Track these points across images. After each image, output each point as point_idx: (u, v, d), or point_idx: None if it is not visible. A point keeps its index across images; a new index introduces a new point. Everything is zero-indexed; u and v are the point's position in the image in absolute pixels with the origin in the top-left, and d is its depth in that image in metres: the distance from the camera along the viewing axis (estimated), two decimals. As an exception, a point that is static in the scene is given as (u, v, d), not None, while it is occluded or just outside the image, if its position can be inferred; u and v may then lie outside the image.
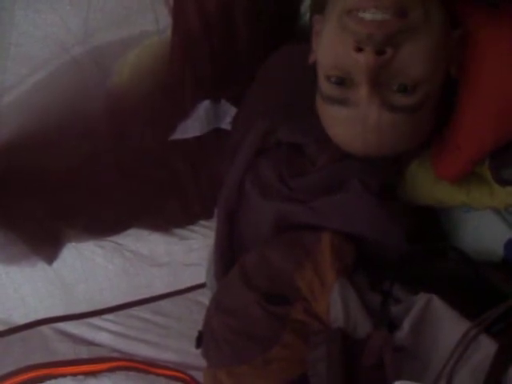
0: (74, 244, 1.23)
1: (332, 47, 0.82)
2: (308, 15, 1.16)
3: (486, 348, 0.77)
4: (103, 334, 1.32)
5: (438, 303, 0.84)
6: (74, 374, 1.25)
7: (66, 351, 1.27)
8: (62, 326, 1.29)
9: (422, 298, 0.84)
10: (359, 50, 0.77)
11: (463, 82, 0.85)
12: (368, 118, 0.82)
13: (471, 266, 0.94)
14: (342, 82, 0.82)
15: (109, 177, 1.17)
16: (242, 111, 1.16)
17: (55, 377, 1.23)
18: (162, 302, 1.40)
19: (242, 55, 1.14)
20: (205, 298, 1.29)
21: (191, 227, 1.38)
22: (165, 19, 1.07)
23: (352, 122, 0.84)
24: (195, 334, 1.00)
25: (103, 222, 1.24)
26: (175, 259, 1.38)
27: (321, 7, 0.89)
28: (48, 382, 1.22)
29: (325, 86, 0.85)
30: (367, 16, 0.77)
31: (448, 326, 0.82)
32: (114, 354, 1.31)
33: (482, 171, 0.91)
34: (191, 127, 1.19)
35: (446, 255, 0.98)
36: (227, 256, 1.05)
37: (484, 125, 0.84)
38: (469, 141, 0.87)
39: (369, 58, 0.77)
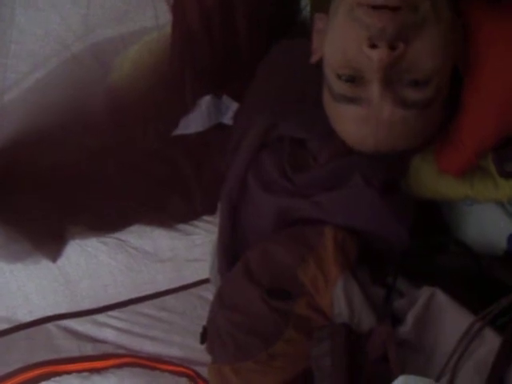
0: (77, 241, 1.23)
1: (341, 44, 0.81)
2: (308, 9, 1.16)
3: (491, 342, 0.77)
4: (108, 331, 1.32)
5: (441, 297, 0.83)
6: (79, 371, 1.25)
7: (71, 348, 1.27)
8: (66, 323, 1.29)
9: (425, 292, 0.84)
10: (373, 46, 0.76)
11: (467, 76, 0.85)
12: (381, 116, 0.81)
13: (474, 259, 0.94)
14: (353, 79, 0.81)
15: (111, 173, 1.17)
16: (243, 106, 1.16)
17: (60, 374, 1.23)
18: (165, 298, 1.39)
19: (242, 50, 1.14)
20: (208, 293, 1.28)
21: (194, 223, 1.37)
22: (164, 15, 1.07)
23: (365, 121, 0.83)
24: (199, 329, 1.00)
25: (106, 219, 1.24)
26: (178, 255, 1.38)
27: (321, 3, 0.88)
28: (53, 379, 1.22)
29: (336, 85, 0.83)
30: (378, 1, 0.75)
31: (452, 319, 0.82)
32: (119, 351, 1.31)
33: (486, 164, 0.91)
34: (193, 123, 1.19)
35: (448, 249, 0.98)
36: (230, 251, 1.05)
37: (487, 119, 0.84)
38: (472, 135, 0.86)
39: (383, 54, 0.76)
